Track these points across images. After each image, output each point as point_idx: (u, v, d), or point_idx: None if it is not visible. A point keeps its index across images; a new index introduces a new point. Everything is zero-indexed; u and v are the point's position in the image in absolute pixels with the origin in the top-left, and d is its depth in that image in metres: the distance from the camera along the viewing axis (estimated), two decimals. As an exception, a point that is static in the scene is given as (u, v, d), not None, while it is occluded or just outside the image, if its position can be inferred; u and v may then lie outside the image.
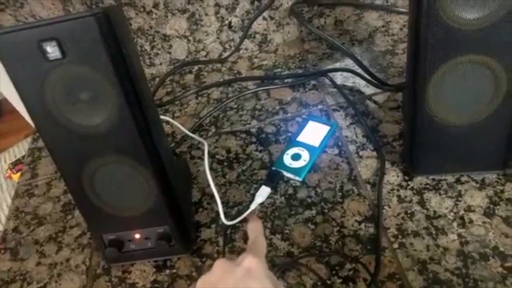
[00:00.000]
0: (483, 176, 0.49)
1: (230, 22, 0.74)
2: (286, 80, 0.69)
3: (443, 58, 0.42)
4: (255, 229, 0.40)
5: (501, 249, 0.42)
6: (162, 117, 0.66)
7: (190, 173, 0.55)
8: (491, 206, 0.46)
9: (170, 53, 0.75)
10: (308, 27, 0.67)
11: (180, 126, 0.62)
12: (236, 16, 0.73)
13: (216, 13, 0.72)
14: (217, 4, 0.71)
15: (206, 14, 0.72)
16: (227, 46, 0.77)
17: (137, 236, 0.44)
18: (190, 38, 0.74)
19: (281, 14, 0.75)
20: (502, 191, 0.47)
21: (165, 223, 0.43)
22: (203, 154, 0.59)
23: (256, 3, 0.72)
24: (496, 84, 0.43)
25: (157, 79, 0.76)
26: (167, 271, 0.46)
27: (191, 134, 0.60)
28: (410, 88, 0.45)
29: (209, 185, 0.51)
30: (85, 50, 0.35)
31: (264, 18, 0.75)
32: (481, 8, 0.39)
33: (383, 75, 0.64)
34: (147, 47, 0.74)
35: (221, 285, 0.32)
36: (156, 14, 0.70)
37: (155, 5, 0.69)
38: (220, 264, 0.34)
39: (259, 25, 0.76)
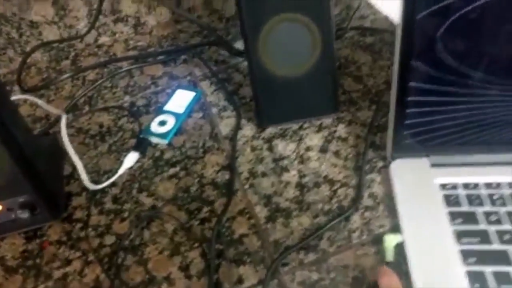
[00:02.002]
0: (322, 121, 0.56)
1: (100, 6, 0.76)
2: (159, 58, 0.73)
3: (262, 18, 0.48)
4: (390, 286, 0.36)
5: (330, 177, 0.50)
6: (29, 98, 0.66)
7: (60, 149, 0.57)
8: (325, 144, 0.54)
9: (41, 39, 0.75)
10: (175, 11, 0.71)
11: (46, 105, 0.63)
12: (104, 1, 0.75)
13: (83, -3, 0.74)
14: (83, -11, 0.73)
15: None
16: (100, 30, 0.79)
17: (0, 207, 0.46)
18: (60, 24, 0.75)
19: (151, -4, 0.78)
20: (335, 131, 0.55)
21: (26, 192, 0.45)
22: (76, 131, 0.61)
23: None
24: (313, 39, 0.50)
25: (33, 68, 0.76)
26: (37, 240, 0.48)
27: (56, 111, 0.62)
28: (245, 49, 0.51)
29: (81, 158, 0.54)
30: None
31: (133, 1, 0.78)
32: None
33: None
34: (14, 34, 0.73)
35: None
36: (16, 0, 0.70)
37: (16, -8, 0.69)
38: None
39: (129, 8, 0.78)
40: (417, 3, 0.39)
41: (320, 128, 0.56)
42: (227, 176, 0.52)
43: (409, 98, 0.44)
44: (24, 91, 0.70)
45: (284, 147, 0.54)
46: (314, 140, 0.54)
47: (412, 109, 0.45)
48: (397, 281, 0.36)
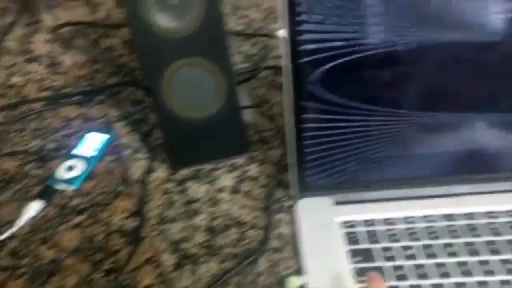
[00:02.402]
0: (235, 161, 0.57)
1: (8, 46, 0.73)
2: (73, 99, 0.71)
3: (163, 64, 0.48)
4: None
5: (240, 218, 0.50)
6: None
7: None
8: (237, 184, 0.54)
9: None
10: (77, 49, 0.70)
11: None
12: (14, 40, 0.73)
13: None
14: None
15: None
16: (13, 70, 0.75)
17: None
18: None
19: (65, 36, 0.77)
20: (246, 171, 0.56)
21: None
22: (-25, 180, 0.57)
23: (32, 26, 0.73)
24: (216, 81, 0.51)
25: None
26: None
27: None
28: (152, 93, 0.51)
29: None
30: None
31: (47, 41, 0.76)
32: (179, 18, 0.46)
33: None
34: None
35: None
36: None
37: None
38: None
39: (43, 48, 0.76)
40: (300, 49, 0.41)
41: (233, 169, 0.56)
42: (135, 223, 0.50)
43: (306, 140, 0.46)
44: None
45: (196, 189, 0.54)
46: (227, 181, 0.55)
47: (310, 148, 0.46)
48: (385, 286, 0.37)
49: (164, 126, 0.53)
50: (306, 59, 0.42)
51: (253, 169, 0.56)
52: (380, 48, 0.41)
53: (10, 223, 0.51)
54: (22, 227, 0.50)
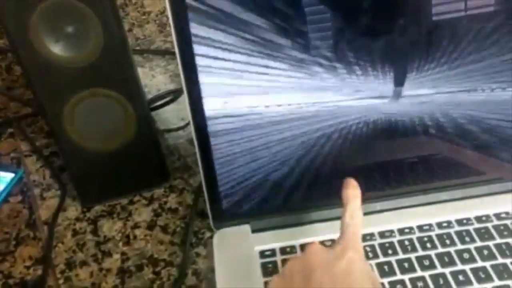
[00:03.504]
0: (152, 192, 0.53)
1: None
2: (-20, 133, 0.65)
3: (63, 96, 0.45)
4: (353, 201, 0.35)
5: (155, 256, 0.47)
6: None
7: None
8: (154, 218, 0.51)
9: None
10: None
11: None
12: None
13: None
14: None
15: None
16: None
17: None
18: None
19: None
20: (165, 202, 0.52)
21: None
22: None
23: None
24: (125, 111, 0.47)
25: None
26: None
27: None
28: (51, 129, 0.47)
29: None
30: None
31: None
32: (77, 46, 0.43)
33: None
34: None
35: (317, 277, 0.28)
36: None
37: None
38: (314, 251, 0.30)
39: None
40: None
41: (150, 201, 0.53)
42: (40, 271, 0.46)
43: (217, 166, 0.43)
44: None
45: (110, 228, 0.50)
46: (143, 215, 0.51)
47: (222, 174, 0.44)
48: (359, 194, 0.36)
49: (70, 162, 0.49)
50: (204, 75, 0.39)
51: (172, 200, 0.53)
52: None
53: None
54: None
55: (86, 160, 0.48)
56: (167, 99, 0.65)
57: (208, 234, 0.48)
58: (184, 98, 0.40)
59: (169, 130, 0.62)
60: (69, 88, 0.44)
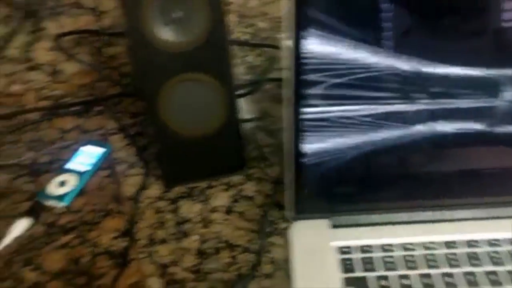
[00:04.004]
0: (230, 179, 0.54)
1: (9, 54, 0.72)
2: (71, 109, 0.69)
3: (162, 79, 0.46)
4: None
5: (232, 241, 0.48)
6: None
7: None
8: (232, 204, 0.51)
9: None
10: (75, 58, 0.68)
11: None
12: (16, 48, 0.72)
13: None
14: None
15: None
16: (14, 77, 0.75)
17: None
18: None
19: (70, 44, 0.76)
20: (242, 190, 0.53)
21: None
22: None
23: (35, 34, 0.72)
24: (217, 98, 0.48)
25: None
26: None
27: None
28: (148, 108, 0.49)
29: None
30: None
31: (51, 49, 0.75)
32: (182, 32, 0.44)
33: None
34: None
35: None
36: None
37: None
38: None
39: (46, 56, 0.75)
40: (304, 62, 0.38)
41: (228, 187, 0.54)
42: (124, 243, 0.48)
43: (305, 158, 0.43)
44: None
45: (189, 209, 0.51)
46: (221, 200, 0.52)
47: (308, 167, 0.43)
48: None
49: (160, 142, 0.51)
50: (310, 73, 0.39)
51: (249, 188, 0.53)
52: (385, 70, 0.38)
53: (-3, 241, 0.50)
54: (6, 247, 0.49)
55: (174, 142, 0.50)
56: (246, 90, 0.66)
57: (283, 225, 0.49)
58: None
59: (245, 120, 0.62)
60: (169, 71, 0.46)
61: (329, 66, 0.38)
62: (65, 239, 0.49)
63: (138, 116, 0.66)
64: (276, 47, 0.77)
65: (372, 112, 0.41)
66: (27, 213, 0.51)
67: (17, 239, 0.49)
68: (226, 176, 0.54)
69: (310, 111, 0.40)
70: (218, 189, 0.53)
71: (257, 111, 0.64)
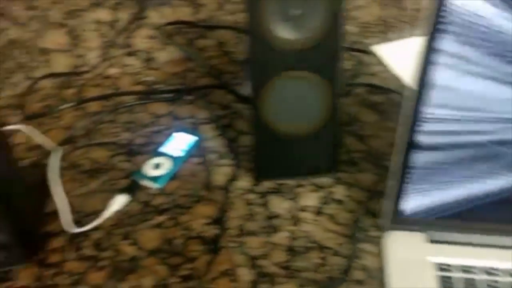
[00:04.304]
0: (320, 180, 0.54)
1: (112, 39, 0.76)
2: (163, 96, 0.72)
3: (270, 74, 0.47)
4: None
5: (322, 242, 0.47)
6: (25, 128, 0.66)
7: (46, 184, 0.56)
8: (321, 205, 0.51)
9: (49, 67, 0.76)
10: (180, 48, 0.71)
11: (41, 136, 0.63)
12: (119, 34, 0.76)
13: (97, 29, 0.74)
14: (97, 21, 0.74)
15: (85, 30, 0.74)
16: (112, 61, 0.79)
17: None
18: (71, 52, 0.75)
19: (166, 33, 0.79)
20: (332, 193, 0.53)
21: (2, 231, 0.43)
22: (68, 165, 0.59)
23: (138, 22, 0.76)
24: (321, 98, 0.48)
25: (36, 93, 0.75)
26: (5, 284, 0.46)
27: (45, 141, 0.62)
28: (251, 103, 0.50)
29: (66, 195, 0.53)
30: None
31: (148, 37, 0.78)
32: (299, 29, 0.45)
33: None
34: (24, 59, 0.74)
35: None
36: (31, 27, 0.71)
37: (31, 18, 0.70)
38: None
39: (143, 43, 0.79)
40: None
41: (317, 188, 0.54)
42: (215, 231, 0.49)
43: (410, 170, 0.42)
44: (23, 117, 0.69)
45: (278, 205, 0.52)
46: (310, 200, 0.52)
47: (412, 179, 0.42)
48: None
49: (256, 136, 0.52)
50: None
51: (339, 192, 0.53)
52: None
53: (96, 213, 0.53)
54: (106, 220, 0.51)
55: (271, 138, 0.50)
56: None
57: (375, 233, 0.48)
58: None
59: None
60: (278, 67, 0.46)
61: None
62: (159, 219, 0.51)
63: (227, 109, 0.68)
64: (365, 52, 0.76)
65: (488, 138, 0.39)
66: (125, 190, 0.54)
67: (116, 213, 0.52)
68: (315, 177, 0.54)
69: (425, 130, 0.39)
70: (307, 189, 0.53)
71: (347, 115, 0.64)
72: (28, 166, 0.58)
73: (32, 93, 0.75)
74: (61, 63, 0.76)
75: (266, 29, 0.44)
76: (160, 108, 0.70)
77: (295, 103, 0.49)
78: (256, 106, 0.49)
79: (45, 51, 0.74)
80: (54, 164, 0.57)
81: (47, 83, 0.77)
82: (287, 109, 0.49)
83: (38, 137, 0.63)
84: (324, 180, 0.54)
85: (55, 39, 0.73)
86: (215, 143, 0.61)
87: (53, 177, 0.55)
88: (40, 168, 0.58)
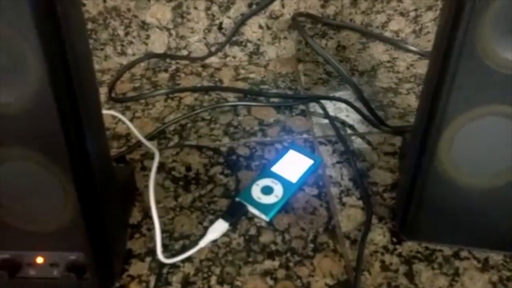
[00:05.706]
0: (487, 255, 0.40)
1: (221, 23, 0.65)
2: (272, 99, 0.60)
3: (468, 103, 0.33)
4: None
5: None
6: (114, 113, 0.55)
7: (134, 187, 0.45)
8: (494, 294, 0.37)
9: (146, 44, 0.65)
10: (310, 42, 0.58)
11: (132, 127, 0.52)
12: (229, 17, 0.65)
13: (207, 8, 0.63)
14: None
15: (195, 8, 0.63)
16: (213, 49, 0.68)
17: (40, 260, 0.33)
18: (173, 31, 0.65)
19: (281, 26, 0.67)
20: (508, 278, 0.38)
21: (81, 249, 0.32)
22: (157, 167, 0.48)
23: (254, 6, 0.64)
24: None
25: (127, 73, 0.65)
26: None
27: (143, 140, 0.50)
28: (418, 135, 0.36)
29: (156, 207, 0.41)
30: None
31: (261, 27, 0.66)
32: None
33: (382, 114, 0.56)
34: (120, 32, 0.64)
35: None
36: (137, -4, 0.61)
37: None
38: None
39: (253, 33, 0.67)
40: None
41: (485, 266, 0.39)
42: (344, 300, 0.36)
43: None
44: (111, 98, 0.59)
45: (432, 280, 0.38)
46: (477, 283, 0.38)
47: None
48: None
49: (415, 182, 0.38)
50: None
51: (517, 278, 0.38)
52: None
53: (186, 238, 0.41)
54: (200, 250, 0.39)
55: (442, 191, 0.37)
56: None
57: None
58: None
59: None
60: (490, 99, 0.32)
61: None
62: (268, 264, 0.39)
63: (350, 128, 0.54)
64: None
65: None
66: (225, 215, 0.42)
67: (212, 243, 0.40)
68: (481, 250, 0.40)
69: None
70: (470, 264, 0.39)
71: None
72: (113, 160, 0.48)
73: (122, 71, 0.65)
74: (159, 42, 0.66)
75: (484, 43, 0.31)
76: (268, 114, 0.57)
77: (488, 145, 0.35)
78: (429, 139, 0.36)
79: (144, 26, 0.64)
80: (152, 168, 0.45)
81: (140, 63, 0.66)
82: (474, 151, 0.35)
83: (132, 129, 0.52)
84: (493, 255, 0.40)
85: (159, 13, 0.63)
86: (337, 173, 0.48)
87: (146, 184, 0.44)
88: (126, 165, 0.47)
